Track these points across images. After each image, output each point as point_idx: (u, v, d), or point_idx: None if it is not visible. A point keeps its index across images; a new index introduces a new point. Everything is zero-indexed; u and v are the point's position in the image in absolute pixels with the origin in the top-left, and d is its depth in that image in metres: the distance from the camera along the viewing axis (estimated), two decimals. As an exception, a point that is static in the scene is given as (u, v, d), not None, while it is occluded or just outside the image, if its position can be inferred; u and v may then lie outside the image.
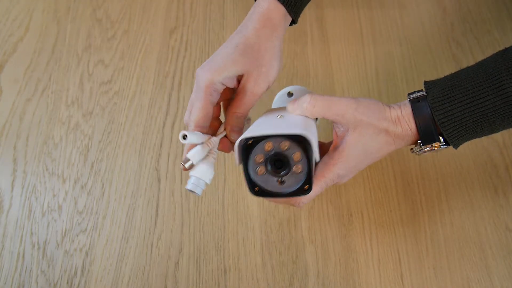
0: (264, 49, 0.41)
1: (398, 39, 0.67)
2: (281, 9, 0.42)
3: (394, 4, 0.71)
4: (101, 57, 0.66)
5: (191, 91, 0.62)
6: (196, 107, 0.40)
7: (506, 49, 0.39)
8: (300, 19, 0.69)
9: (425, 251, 0.53)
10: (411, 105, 0.40)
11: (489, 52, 0.67)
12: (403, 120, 0.40)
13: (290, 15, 0.44)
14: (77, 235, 0.53)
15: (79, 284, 0.50)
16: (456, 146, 0.40)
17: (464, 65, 0.67)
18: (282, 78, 0.64)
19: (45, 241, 0.53)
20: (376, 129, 0.39)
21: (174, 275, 0.51)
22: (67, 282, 0.51)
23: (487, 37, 0.68)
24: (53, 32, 0.68)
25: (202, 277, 0.51)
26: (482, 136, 0.40)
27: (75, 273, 0.51)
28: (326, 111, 0.39)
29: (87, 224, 0.54)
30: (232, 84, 0.42)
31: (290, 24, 0.46)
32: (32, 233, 0.53)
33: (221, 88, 0.41)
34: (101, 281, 0.51)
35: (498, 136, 0.60)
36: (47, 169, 0.57)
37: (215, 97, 0.41)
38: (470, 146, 0.59)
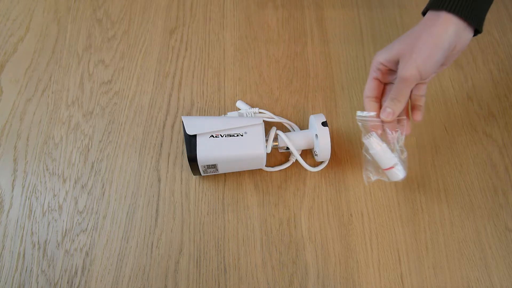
0: (423, 37, 0.42)
1: (398, 39, 0.67)
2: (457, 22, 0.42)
3: (394, 4, 0.72)
4: (102, 57, 0.66)
5: (191, 91, 0.63)
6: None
7: None
8: (300, 19, 0.70)
9: (425, 251, 0.53)
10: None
11: (489, 52, 0.67)
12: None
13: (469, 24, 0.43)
14: (78, 235, 0.53)
15: (79, 283, 0.51)
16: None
17: (464, 65, 0.67)
18: (282, 78, 0.64)
19: (46, 241, 0.53)
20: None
21: (174, 275, 0.51)
22: (68, 282, 0.51)
23: (487, 37, 0.68)
24: (54, 32, 0.68)
25: (202, 277, 0.51)
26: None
27: (76, 272, 0.51)
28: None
29: (88, 224, 0.54)
30: (394, 67, 0.46)
31: (475, 34, 0.46)
32: (32, 233, 0.53)
33: (383, 68, 0.47)
34: (101, 280, 0.51)
35: (498, 136, 0.60)
36: (47, 169, 0.57)
37: (378, 75, 0.47)
38: (470, 146, 0.59)
